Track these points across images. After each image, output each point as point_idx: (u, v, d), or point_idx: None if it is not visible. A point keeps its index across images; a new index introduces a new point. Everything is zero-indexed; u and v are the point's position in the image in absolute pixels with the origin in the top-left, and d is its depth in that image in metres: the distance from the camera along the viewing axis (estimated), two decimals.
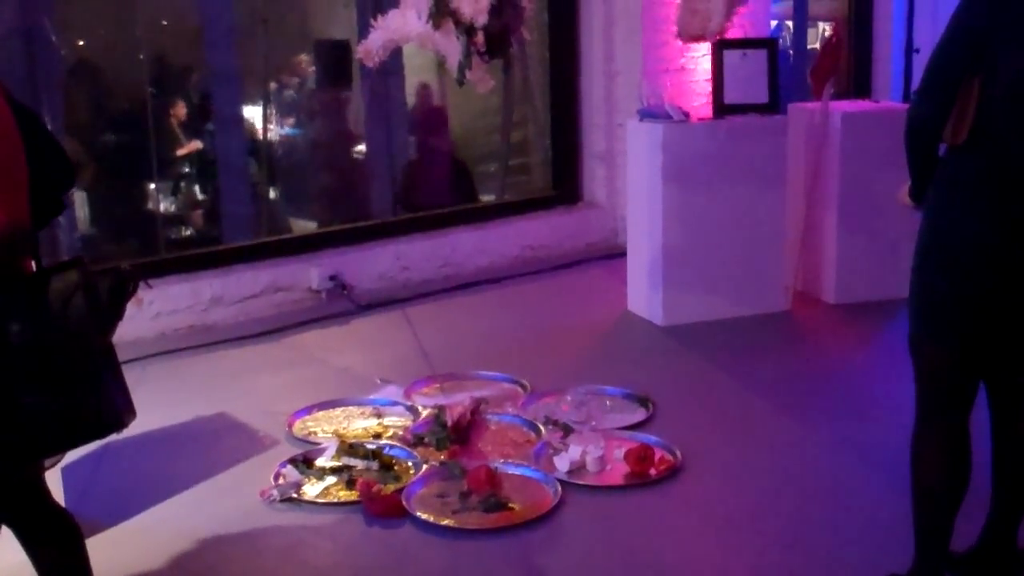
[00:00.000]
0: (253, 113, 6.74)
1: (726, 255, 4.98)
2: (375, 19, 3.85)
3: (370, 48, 3.82)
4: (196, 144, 6.45)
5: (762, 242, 5.03)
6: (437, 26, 3.61)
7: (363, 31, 6.47)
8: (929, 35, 6.88)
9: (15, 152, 2.18)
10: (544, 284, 5.74)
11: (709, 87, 5.60)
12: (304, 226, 6.44)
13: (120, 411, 2.15)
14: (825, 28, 8.57)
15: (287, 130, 6.96)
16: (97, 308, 2.13)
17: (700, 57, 5.96)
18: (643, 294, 5.09)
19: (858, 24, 7.42)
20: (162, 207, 6.00)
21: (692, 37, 4.59)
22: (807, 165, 5.32)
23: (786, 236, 5.13)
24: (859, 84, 7.18)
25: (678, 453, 3.51)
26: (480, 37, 3.61)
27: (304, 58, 7.25)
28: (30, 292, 2.10)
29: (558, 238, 6.14)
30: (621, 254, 5.48)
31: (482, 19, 3.60)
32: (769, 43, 5.37)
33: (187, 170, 6.49)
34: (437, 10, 3.60)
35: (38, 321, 2.07)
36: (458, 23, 3.60)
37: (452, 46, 3.63)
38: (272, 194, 6.61)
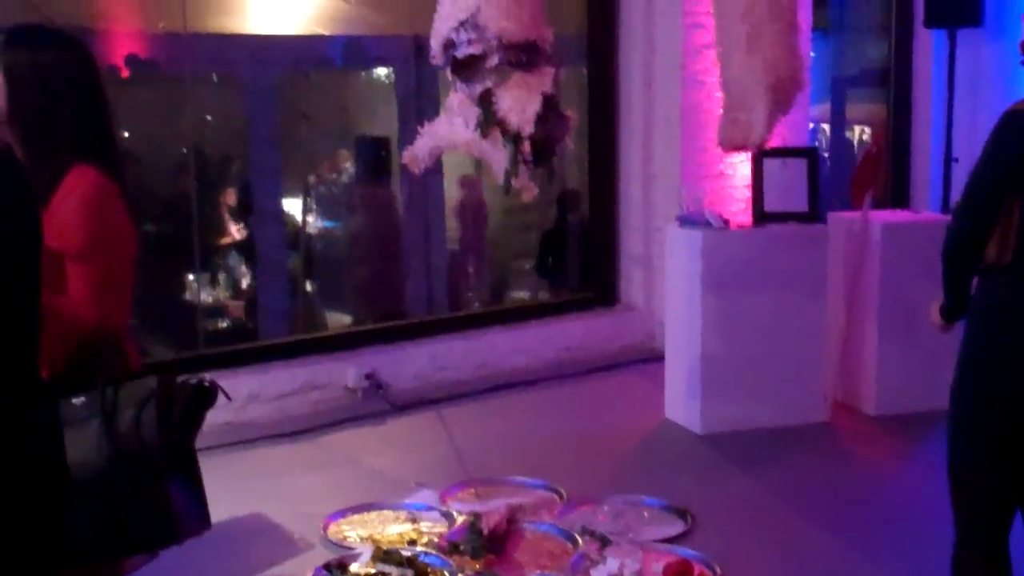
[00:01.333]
0: (293, 207, 6.81)
1: (765, 364, 4.95)
2: (421, 125, 3.90)
3: (416, 154, 3.86)
4: (236, 235, 6.51)
5: (801, 351, 4.99)
6: (485, 135, 3.65)
7: (403, 127, 6.58)
8: (967, 145, 6.89)
9: (130, 260, 2.29)
10: (581, 387, 5.72)
11: (748, 193, 5.62)
12: (340, 320, 6.46)
13: (183, 524, 2.13)
14: (863, 131, 8.62)
15: (326, 224, 7.02)
16: (168, 419, 2.14)
17: (739, 163, 5.98)
18: (681, 401, 5.05)
19: (896, 132, 7.45)
20: (200, 298, 6.03)
21: (733, 147, 4.61)
22: (847, 274, 5.30)
23: (825, 346, 5.10)
24: (897, 193, 7.18)
25: (717, 569, 3.45)
26: (527, 146, 3.64)
27: (344, 152, 7.34)
28: (103, 395, 2.12)
29: (595, 340, 6.12)
30: (658, 358, 5.45)
31: (529, 128, 3.63)
32: (809, 152, 5.40)
33: (226, 262, 6.54)
34: (485, 119, 3.64)
35: (106, 428, 2.08)
36: (505, 132, 3.63)
37: (499, 154, 3.66)
38: (310, 288, 6.65)
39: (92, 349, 2.17)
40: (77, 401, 2.10)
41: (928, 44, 7.30)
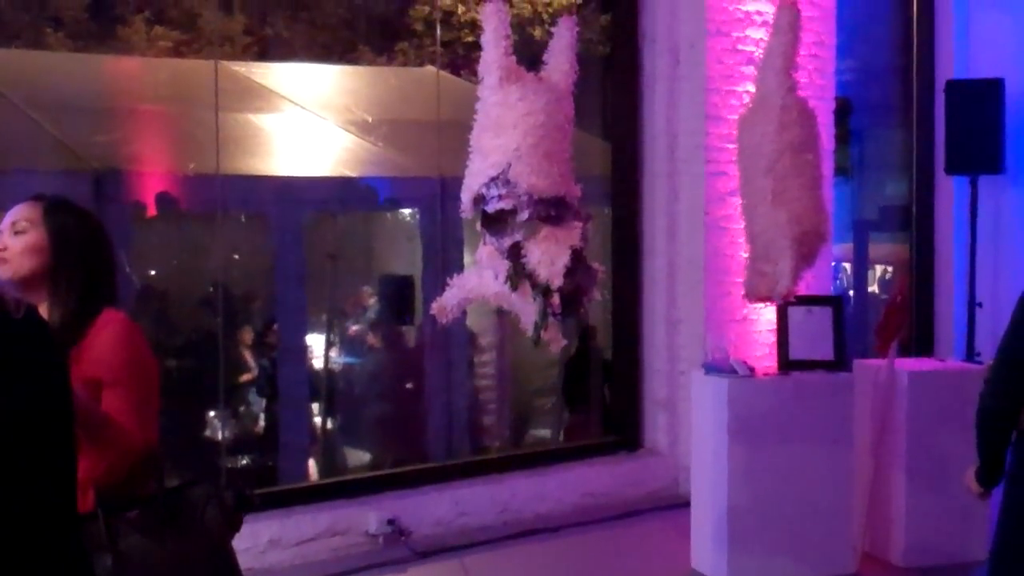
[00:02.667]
0: (316, 346, 6.84)
1: (792, 513, 4.88)
2: (446, 267, 3.93)
3: (445, 305, 3.87)
4: (260, 372, 6.53)
5: (829, 501, 4.93)
6: (514, 287, 3.67)
7: (427, 267, 6.63)
8: (991, 290, 6.90)
9: (158, 387, 2.59)
10: (605, 535, 5.63)
11: (772, 338, 5.62)
12: (362, 460, 6.43)
13: None
14: (886, 271, 8.66)
15: (349, 362, 7.03)
16: (228, 515, 2.47)
17: (763, 308, 5.99)
18: (708, 551, 4.97)
19: (919, 276, 7.46)
20: (220, 436, 6.02)
21: (759, 298, 4.63)
22: (873, 423, 5.25)
23: (853, 495, 5.04)
24: (922, 339, 7.17)
25: None
26: (556, 299, 3.65)
27: (368, 291, 7.40)
28: (170, 508, 2.44)
29: (618, 486, 6.06)
30: (683, 504, 5.39)
31: (558, 281, 3.65)
32: (835, 300, 5.41)
33: (249, 400, 6.55)
34: (515, 272, 3.66)
35: (185, 532, 2.40)
36: (535, 285, 3.65)
37: (528, 307, 3.67)
38: (331, 428, 6.63)
39: (135, 468, 2.44)
40: (132, 515, 2.39)
41: (949, 188, 7.36)
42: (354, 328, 7.19)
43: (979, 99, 6.80)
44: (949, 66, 7.41)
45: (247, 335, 6.53)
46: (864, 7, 7.61)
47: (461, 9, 7.66)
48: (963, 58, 7.42)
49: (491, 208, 3.72)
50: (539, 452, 6.35)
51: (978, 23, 7.40)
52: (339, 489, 5.49)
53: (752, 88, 5.03)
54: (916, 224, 7.57)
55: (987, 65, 7.14)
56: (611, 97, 6.45)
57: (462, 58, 7.47)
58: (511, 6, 7.59)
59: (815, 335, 5.19)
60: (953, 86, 6.98)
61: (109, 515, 2.36)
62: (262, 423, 6.53)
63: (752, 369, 5.02)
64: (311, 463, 6.24)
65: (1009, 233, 7.14)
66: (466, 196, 3.79)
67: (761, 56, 4.82)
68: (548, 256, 3.66)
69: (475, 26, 7.16)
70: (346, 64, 7.34)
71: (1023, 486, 2.90)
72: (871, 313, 7.99)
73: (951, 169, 6.96)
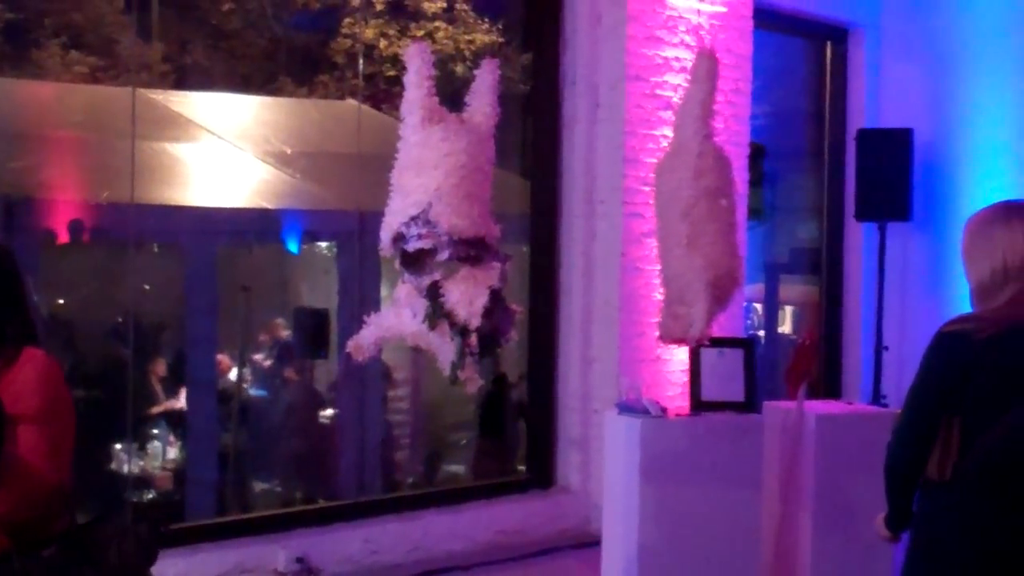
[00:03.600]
0: (228, 378, 6.75)
1: (702, 554, 4.92)
2: (367, 316, 3.91)
3: (361, 344, 3.85)
4: (169, 404, 6.44)
5: (737, 542, 4.98)
6: (432, 326, 3.66)
7: (343, 300, 6.59)
8: (897, 334, 7.07)
9: (74, 428, 2.59)
10: (516, 573, 5.64)
11: (685, 378, 5.68)
12: (273, 496, 6.35)
13: None
14: (795, 312, 8.82)
15: (261, 396, 6.96)
16: (144, 549, 2.47)
17: (676, 349, 6.06)
18: None
19: (828, 317, 7.62)
20: (126, 469, 5.91)
21: (674, 340, 4.68)
22: (781, 465, 5.33)
23: (761, 537, 5.10)
24: (829, 382, 7.31)
25: None
26: (473, 339, 3.66)
27: (281, 323, 7.33)
28: (84, 544, 2.43)
29: (531, 524, 6.06)
30: (594, 543, 5.40)
31: (476, 321, 3.65)
32: (746, 343, 5.49)
33: (156, 432, 6.44)
34: (433, 311, 3.66)
35: (101, 567, 2.39)
36: (453, 324, 3.65)
37: (446, 346, 3.67)
38: (241, 463, 6.55)
39: (50, 506, 2.44)
40: (47, 553, 2.39)
41: (859, 233, 7.55)
42: (267, 361, 7.12)
43: (889, 148, 7.01)
44: (860, 115, 7.62)
45: (159, 366, 6.43)
46: (779, 54, 7.79)
47: (383, 43, 7.68)
48: (874, 107, 7.64)
49: (411, 247, 3.71)
50: (452, 489, 6.33)
51: (889, 74, 7.62)
52: (247, 526, 5.41)
53: (669, 133, 5.11)
54: (826, 268, 7.74)
55: (897, 115, 7.36)
56: (531, 136, 6.51)
57: (383, 92, 7.48)
58: (433, 42, 7.64)
59: (726, 376, 5.26)
60: (864, 134, 7.18)
61: (23, 554, 2.35)
62: (170, 457, 6.42)
63: (664, 409, 5.07)
64: (220, 499, 6.15)
65: (915, 279, 7.33)
66: (386, 234, 3.78)
67: (679, 102, 4.89)
68: (467, 296, 3.67)
69: (396, 60, 7.19)
70: (266, 95, 7.29)
71: (929, 532, 2.97)
72: (781, 354, 8.13)
73: (861, 215, 7.14)
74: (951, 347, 2.89)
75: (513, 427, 6.74)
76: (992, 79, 6.98)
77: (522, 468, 6.53)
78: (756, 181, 7.46)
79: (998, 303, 2.93)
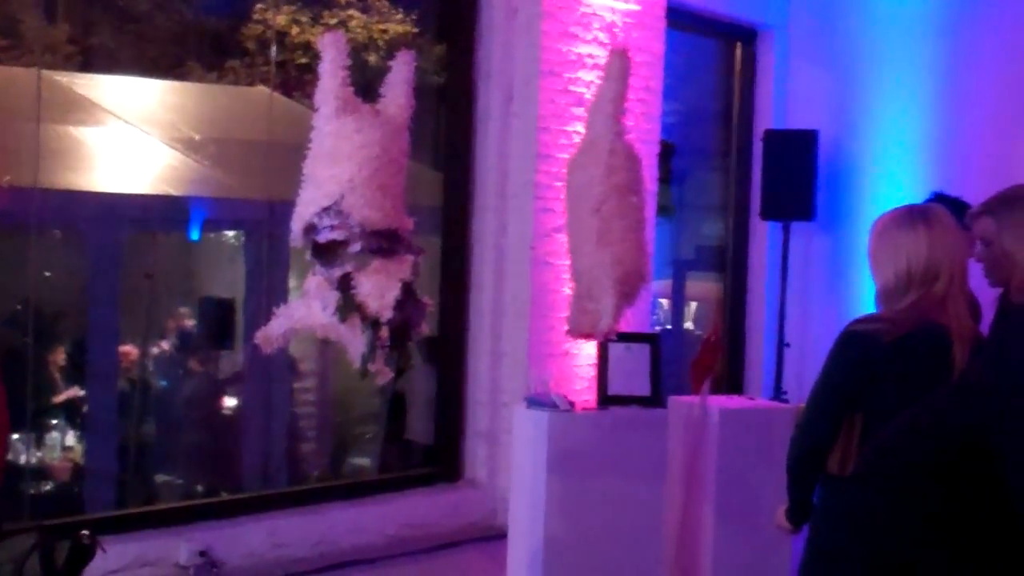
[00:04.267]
0: (130, 369, 6.64)
1: (607, 546, 4.97)
2: (277, 307, 3.87)
3: (270, 335, 3.81)
4: (69, 394, 6.31)
5: (641, 535, 5.04)
6: (343, 319, 3.64)
7: (251, 291, 6.52)
8: (799, 331, 7.21)
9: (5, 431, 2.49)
10: (422, 566, 5.64)
11: (593, 373, 5.73)
12: (175, 488, 6.26)
13: None
14: (702, 308, 8.94)
15: (164, 387, 6.85)
16: (52, 571, 2.35)
17: (584, 343, 6.10)
18: None
19: (732, 314, 7.75)
20: (23, 460, 5.78)
21: (582, 334, 4.72)
22: (685, 459, 5.41)
23: (665, 528, 5.17)
24: (732, 377, 7.43)
25: None
26: (384, 331, 3.65)
27: (185, 312, 7.22)
28: None
29: (437, 517, 6.07)
30: (500, 536, 5.42)
31: (387, 314, 3.64)
32: (652, 338, 5.56)
33: (55, 423, 6.31)
34: (344, 304, 3.64)
35: None
36: (364, 317, 3.64)
37: (356, 339, 3.65)
38: (143, 454, 6.44)
39: None
40: None
41: (763, 232, 7.68)
42: (170, 351, 7.00)
43: (794, 149, 7.14)
44: (767, 115, 7.76)
45: (59, 356, 6.28)
46: (690, 54, 7.88)
47: (295, 30, 7.58)
48: (781, 108, 7.78)
49: (322, 238, 3.69)
50: (358, 483, 6.30)
51: (796, 75, 7.77)
52: (149, 518, 5.32)
53: (581, 129, 5.15)
54: (731, 265, 7.87)
55: (803, 116, 7.50)
56: (444, 129, 6.50)
57: (294, 79, 7.39)
58: (346, 31, 7.58)
59: (633, 371, 5.31)
60: (770, 135, 7.30)
61: None
62: (69, 448, 6.29)
63: (572, 403, 5.10)
64: (120, 491, 6.03)
65: (817, 277, 7.48)
66: (297, 225, 3.75)
67: (591, 99, 4.93)
68: (378, 288, 3.65)
69: (309, 48, 7.12)
70: (174, 79, 7.15)
71: (827, 525, 3.05)
72: (687, 349, 8.24)
73: (765, 214, 7.27)
74: (858, 346, 2.99)
75: (421, 421, 6.73)
76: (895, 83, 7.15)
77: (430, 462, 6.52)
78: (665, 179, 7.54)
79: (903, 305, 3.02)
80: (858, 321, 3.07)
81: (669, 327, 8.78)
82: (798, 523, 3.18)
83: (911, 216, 3.13)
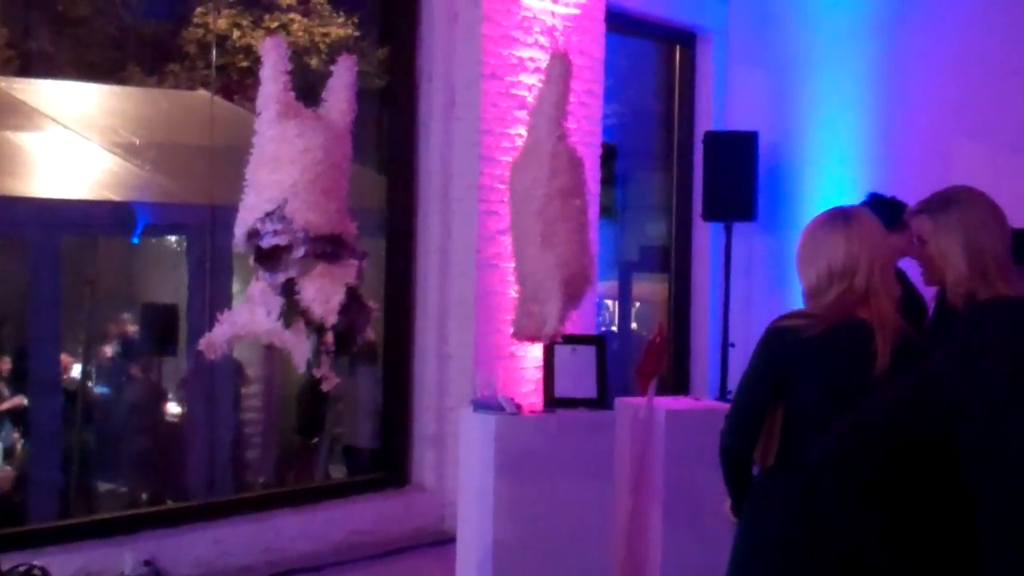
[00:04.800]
0: (72, 376, 6.56)
1: (556, 548, 4.98)
2: (220, 313, 3.85)
3: (214, 341, 3.79)
4: (11, 402, 6.23)
5: (590, 537, 5.06)
6: (287, 324, 3.63)
7: (193, 296, 6.46)
8: (743, 331, 7.27)
9: None
10: (370, 572, 5.62)
11: (539, 375, 5.75)
12: (119, 497, 6.20)
13: None
14: (640, 307, 9.00)
15: (107, 394, 6.77)
16: None
17: (530, 346, 6.12)
18: None
19: (677, 315, 7.80)
20: None
21: (527, 337, 4.73)
22: (632, 460, 5.44)
23: (613, 529, 5.20)
24: (678, 378, 7.49)
25: None
26: (329, 336, 3.64)
27: (128, 318, 7.15)
28: None
29: (385, 522, 6.05)
30: (448, 540, 5.43)
31: (332, 319, 3.64)
32: (598, 340, 5.58)
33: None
34: (288, 309, 3.63)
35: None
36: (308, 322, 3.63)
37: (301, 344, 3.64)
38: (86, 463, 6.36)
39: None
40: None
41: (706, 233, 7.75)
42: (113, 358, 6.93)
43: (735, 150, 7.21)
44: (708, 117, 7.83)
45: (3, 364, 6.20)
46: (630, 57, 7.94)
47: (236, 33, 7.53)
48: (721, 110, 7.85)
49: (266, 244, 3.68)
50: (305, 489, 6.27)
51: (736, 78, 7.85)
52: (93, 528, 5.26)
53: (524, 132, 5.16)
54: (674, 266, 7.93)
55: (743, 118, 7.57)
56: (387, 132, 6.49)
57: (236, 83, 7.34)
58: (287, 35, 7.54)
59: (579, 373, 5.34)
60: (711, 137, 7.37)
61: None
62: (12, 456, 6.20)
63: (519, 406, 5.12)
64: (64, 500, 5.96)
65: (759, 277, 7.56)
66: (240, 230, 3.74)
67: (533, 102, 4.95)
68: (323, 293, 3.65)
69: (250, 51, 7.08)
70: (114, 84, 7.08)
71: (752, 516, 3.13)
72: (633, 350, 8.29)
73: (708, 215, 7.33)
74: (780, 341, 3.13)
75: (369, 426, 6.71)
76: (833, 85, 7.25)
77: (377, 467, 6.50)
78: (607, 180, 7.59)
79: (825, 302, 3.14)
80: (781, 318, 3.19)
81: (615, 328, 8.83)
82: (739, 514, 3.24)
83: (831, 218, 3.26)
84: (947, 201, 3.04)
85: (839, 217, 3.26)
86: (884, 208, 5.41)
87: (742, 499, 3.20)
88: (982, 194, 3.05)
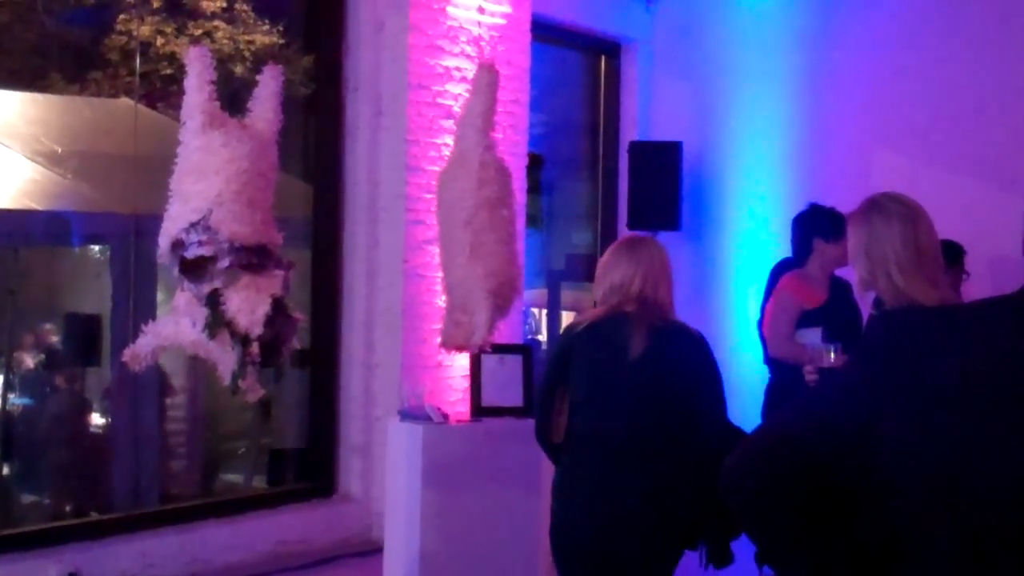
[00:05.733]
0: None
1: (484, 556, 5.03)
2: (145, 324, 3.83)
3: (138, 353, 3.77)
4: None
5: (518, 544, 5.11)
6: (212, 335, 3.63)
7: (117, 306, 6.39)
8: None
9: None
10: None
11: (466, 384, 5.78)
12: (42, 509, 6.11)
13: None
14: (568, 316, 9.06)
15: (28, 405, 6.67)
16: None
17: (457, 355, 6.14)
18: None
19: None
20: None
21: (455, 347, 4.76)
22: None
23: (540, 540, 5.23)
24: None
25: None
26: (255, 347, 3.64)
27: (50, 328, 7.05)
28: None
29: (312, 533, 6.02)
30: (376, 550, 5.43)
31: (257, 330, 3.64)
32: (525, 349, 5.65)
33: None
34: (213, 320, 3.62)
35: None
36: (234, 333, 3.62)
37: (226, 355, 3.64)
38: (7, 475, 6.26)
39: None
40: None
41: None
42: (34, 368, 6.82)
43: (659, 160, 7.30)
44: (633, 127, 7.92)
45: None
46: (556, 66, 8.00)
47: (160, 41, 7.46)
48: (645, 120, 7.94)
49: (190, 254, 3.67)
50: (231, 500, 6.21)
51: (660, 88, 7.95)
52: (15, 541, 5.17)
53: (451, 141, 5.20)
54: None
55: (667, 128, 7.67)
56: (313, 140, 6.47)
57: (159, 90, 7.27)
58: (212, 42, 7.50)
59: (506, 382, 5.39)
60: (635, 147, 7.46)
61: None
62: None
63: (446, 415, 5.15)
64: None
65: (684, 286, 7.60)
66: (164, 241, 3.73)
67: (460, 112, 4.99)
68: (248, 304, 3.65)
69: (174, 59, 7.02)
70: (35, 92, 6.98)
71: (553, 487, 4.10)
72: None
73: (633, 224, 7.41)
74: (562, 337, 4.19)
75: (294, 435, 6.68)
76: (757, 96, 7.37)
77: (303, 477, 6.47)
78: (534, 189, 7.64)
79: (606, 304, 4.02)
80: (576, 318, 4.24)
81: (541, 337, 8.88)
82: None
83: (618, 247, 4.23)
84: (866, 209, 3.16)
85: (624, 246, 4.20)
86: (823, 218, 5.55)
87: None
88: (896, 199, 3.14)
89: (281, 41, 7.52)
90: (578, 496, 3.94)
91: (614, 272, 4.02)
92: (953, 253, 5.36)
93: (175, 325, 3.73)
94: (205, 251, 3.65)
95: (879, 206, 3.22)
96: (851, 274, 4.51)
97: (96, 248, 7.13)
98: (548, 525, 5.33)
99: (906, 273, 3.08)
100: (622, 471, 3.80)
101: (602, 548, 3.85)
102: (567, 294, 8.79)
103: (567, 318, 9.02)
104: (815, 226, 5.60)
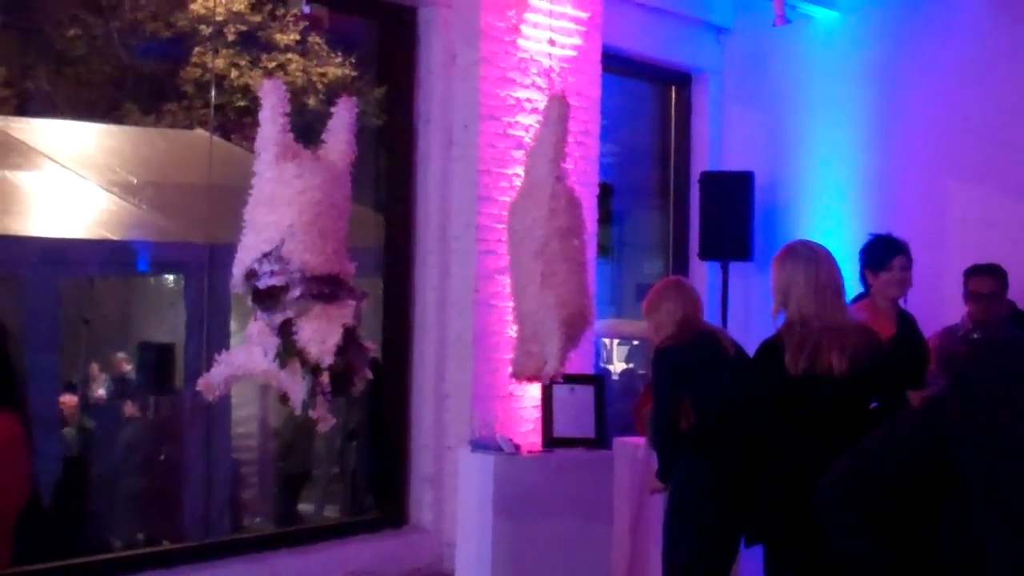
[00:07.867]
0: (68, 416, 6.53)
1: None
2: (219, 354, 3.84)
3: (212, 382, 3.78)
4: None
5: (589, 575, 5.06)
6: (284, 365, 3.63)
7: (191, 335, 6.45)
8: None
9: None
10: None
11: (537, 415, 5.75)
12: (116, 537, 6.16)
13: None
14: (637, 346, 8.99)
15: (103, 434, 6.75)
16: None
17: (528, 385, 6.10)
18: None
19: None
20: None
21: (527, 377, 4.73)
22: (631, 499, 5.43)
23: (612, 570, 5.18)
24: None
25: None
26: (325, 377, 3.64)
27: (123, 357, 7.14)
28: None
29: (383, 563, 6.01)
30: None
31: (328, 360, 3.63)
32: (596, 379, 5.60)
33: None
34: (285, 349, 3.62)
35: None
36: (304, 363, 3.62)
37: (297, 385, 3.63)
38: (83, 502, 6.32)
39: None
40: None
41: (703, 272, 7.75)
42: (108, 397, 6.91)
43: (730, 190, 7.23)
44: (704, 157, 7.86)
45: None
46: (627, 97, 7.98)
47: (234, 73, 7.57)
48: (717, 150, 7.88)
49: (263, 284, 3.68)
50: (303, 529, 6.24)
51: (731, 118, 7.88)
52: (89, 569, 5.23)
53: (521, 172, 5.19)
54: None
55: (738, 158, 7.60)
56: (385, 171, 6.51)
57: (233, 122, 7.38)
58: (285, 75, 7.58)
59: (578, 413, 5.35)
60: (707, 177, 7.39)
61: None
62: None
63: (517, 446, 5.12)
64: (58, 540, 5.92)
65: (756, 316, 7.54)
66: (238, 270, 3.74)
67: (531, 143, 4.98)
68: (319, 334, 3.64)
69: (248, 91, 7.11)
70: (111, 123, 7.11)
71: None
72: (632, 389, 8.28)
73: (704, 254, 7.35)
74: (668, 355, 4.70)
75: (367, 466, 6.69)
76: (828, 125, 7.28)
77: (375, 507, 6.47)
78: (604, 219, 7.60)
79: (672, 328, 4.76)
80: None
81: (612, 367, 8.82)
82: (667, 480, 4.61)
83: (668, 285, 5.05)
84: (779, 253, 4.26)
85: (671, 286, 4.99)
86: (868, 249, 5.42)
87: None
88: (807, 245, 4.33)
89: (354, 73, 7.59)
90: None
91: (673, 304, 4.95)
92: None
93: (247, 354, 3.74)
94: (277, 281, 3.65)
95: (792, 250, 4.18)
96: (914, 307, 5.11)
97: (170, 277, 7.22)
98: (618, 554, 5.29)
99: (806, 301, 4.04)
100: None
101: None
102: (638, 324, 8.72)
103: (636, 348, 8.96)
104: (862, 259, 5.47)
